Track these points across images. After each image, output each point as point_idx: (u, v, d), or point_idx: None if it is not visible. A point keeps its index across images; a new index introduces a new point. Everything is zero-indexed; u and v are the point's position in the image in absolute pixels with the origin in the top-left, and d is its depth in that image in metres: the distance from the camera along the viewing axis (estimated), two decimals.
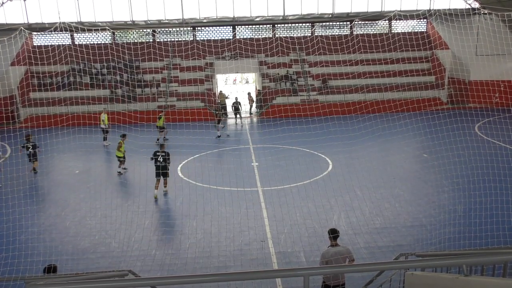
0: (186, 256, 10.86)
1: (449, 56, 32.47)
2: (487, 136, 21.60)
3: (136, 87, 31.02)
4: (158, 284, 6.82)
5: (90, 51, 30.03)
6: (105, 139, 23.53)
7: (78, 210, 14.16)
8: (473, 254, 5.99)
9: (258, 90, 32.61)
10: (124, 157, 17.89)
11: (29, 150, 18.04)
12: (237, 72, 33.74)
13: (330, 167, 17.91)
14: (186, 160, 19.47)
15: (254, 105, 32.28)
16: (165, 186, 15.39)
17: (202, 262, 10.53)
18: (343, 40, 30.38)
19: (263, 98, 30.86)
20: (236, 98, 29.06)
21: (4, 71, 27.95)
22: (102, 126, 23.48)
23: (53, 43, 33.68)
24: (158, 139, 22.86)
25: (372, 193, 14.62)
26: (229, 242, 11.52)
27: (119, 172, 17.93)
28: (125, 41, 34.96)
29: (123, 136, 17.96)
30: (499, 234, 10.66)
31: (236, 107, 24.07)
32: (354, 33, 35.61)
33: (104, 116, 23.48)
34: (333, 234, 7.85)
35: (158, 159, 15.03)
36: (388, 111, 23.87)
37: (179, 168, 18.30)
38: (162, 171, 15.03)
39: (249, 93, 33.18)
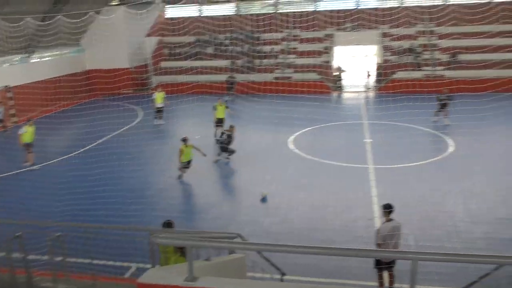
0: (292, 226, 11.14)
1: None
2: None
3: (256, 58, 31.76)
4: (265, 250, 7.15)
5: (215, 22, 31.38)
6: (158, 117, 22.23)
7: (197, 172, 15.26)
8: None
9: (378, 63, 31.12)
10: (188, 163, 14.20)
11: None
12: (357, 44, 32.32)
13: (452, 148, 16.60)
14: (298, 132, 19.59)
15: (371, 79, 31.00)
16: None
17: (306, 234, 10.72)
18: (481, 9, 27.20)
19: (383, 72, 29.40)
20: None
21: (140, 41, 30.82)
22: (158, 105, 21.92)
23: (183, 16, 35.97)
24: None
25: (498, 180, 13.27)
26: (335, 216, 11.51)
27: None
28: (248, 13, 35.82)
29: (184, 140, 14.40)
30: None
31: None
32: (494, 0, 31.60)
33: (155, 95, 22.15)
34: (388, 208, 8.11)
35: (222, 136, 16.45)
36: None
37: (290, 140, 18.54)
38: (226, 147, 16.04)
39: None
